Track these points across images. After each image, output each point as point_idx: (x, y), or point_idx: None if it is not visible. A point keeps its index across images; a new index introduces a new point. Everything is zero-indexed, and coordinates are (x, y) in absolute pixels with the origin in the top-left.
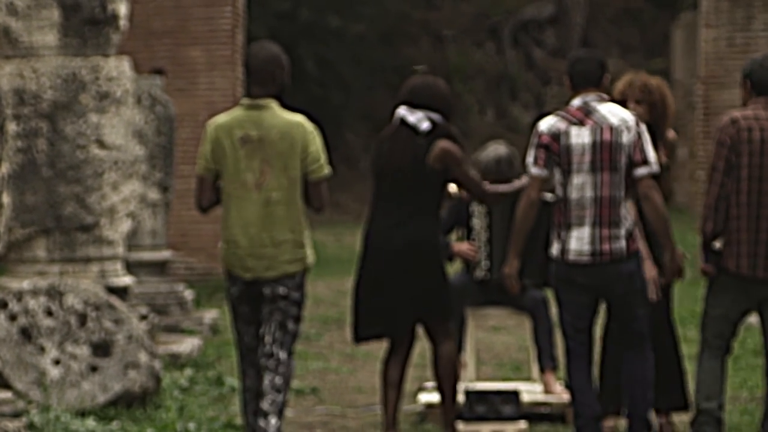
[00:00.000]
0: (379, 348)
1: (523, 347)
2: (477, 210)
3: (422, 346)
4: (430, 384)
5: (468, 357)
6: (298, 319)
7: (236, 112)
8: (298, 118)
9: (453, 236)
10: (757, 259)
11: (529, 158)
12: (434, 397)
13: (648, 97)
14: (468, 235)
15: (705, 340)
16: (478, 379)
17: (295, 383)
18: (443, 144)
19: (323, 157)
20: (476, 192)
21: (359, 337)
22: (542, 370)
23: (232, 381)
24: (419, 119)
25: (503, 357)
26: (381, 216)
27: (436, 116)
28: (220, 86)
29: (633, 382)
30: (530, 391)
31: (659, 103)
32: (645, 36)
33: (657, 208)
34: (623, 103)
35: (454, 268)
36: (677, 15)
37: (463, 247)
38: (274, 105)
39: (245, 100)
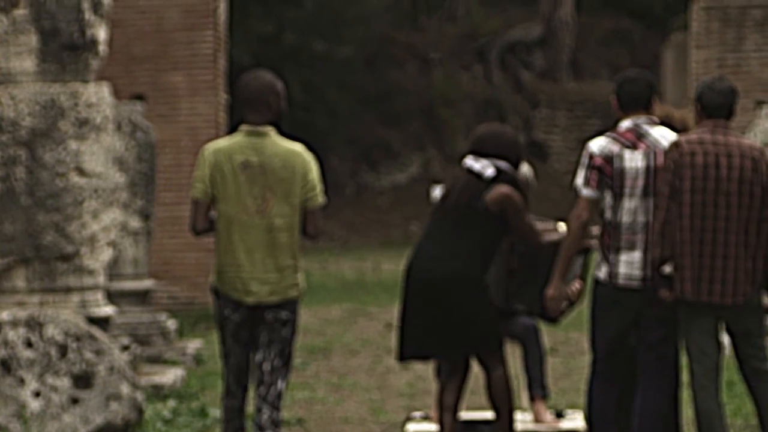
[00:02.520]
0: (366, 378)
1: (513, 375)
2: None
3: (411, 375)
4: (418, 414)
5: None
6: (293, 342)
7: (236, 138)
8: (298, 146)
9: None
10: (701, 283)
11: (580, 179)
12: (423, 428)
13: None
14: None
15: (692, 373)
16: (468, 408)
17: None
18: (503, 189)
19: (320, 186)
20: (532, 240)
21: (403, 356)
22: (532, 398)
23: (216, 412)
24: (484, 166)
25: None
26: (425, 247)
27: (502, 164)
28: (202, 112)
29: (644, 412)
30: (520, 421)
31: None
32: (635, 57)
33: None
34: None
35: None
36: (667, 36)
37: None
38: (273, 133)
39: (245, 127)
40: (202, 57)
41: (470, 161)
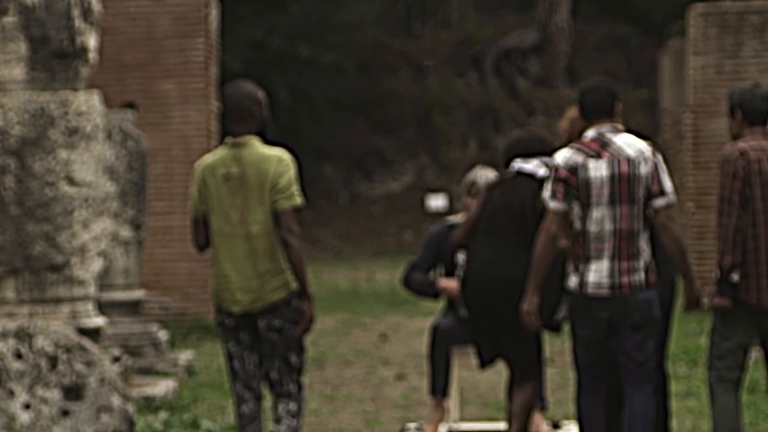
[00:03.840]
0: (360, 389)
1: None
2: None
3: (406, 386)
4: (413, 425)
5: (452, 397)
6: (301, 350)
7: (221, 152)
8: (276, 151)
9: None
10: None
11: (547, 192)
12: None
13: None
14: (452, 270)
15: (720, 377)
16: (462, 419)
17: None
18: None
19: (293, 189)
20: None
21: (483, 363)
22: None
23: (209, 424)
24: (536, 166)
25: (488, 396)
26: (482, 253)
27: (549, 161)
28: (193, 120)
29: (632, 419)
30: None
31: None
32: (632, 64)
33: (676, 239)
34: (569, 142)
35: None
36: (665, 42)
37: (450, 283)
38: (254, 141)
39: (228, 139)
40: (193, 64)
41: (519, 163)
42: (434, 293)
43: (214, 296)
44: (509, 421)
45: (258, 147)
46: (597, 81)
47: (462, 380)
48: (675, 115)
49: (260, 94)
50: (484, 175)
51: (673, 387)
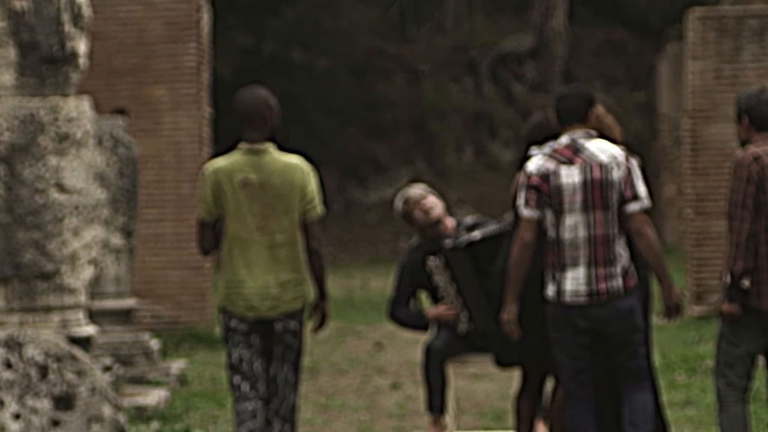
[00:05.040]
0: (355, 398)
1: (505, 395)
2: (434, 266)
3: (401, 395)
4: None
5: (448, 407)
6: (303, 355)
7: (235, 157)
8: (296, 159)
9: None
10: None
11: (520, 200)
12: None
13: None
14: (434, 294)
15: (729, 384)
16: (458, 429)
17: None
18: None
19: (317, 198)
20: None
21: (500, 363)
22: None
23: None
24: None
25: (484, 406)
26: (505, 248)
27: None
28: (185, 126)
29: (632, 412)
30: None
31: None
32: (629, 68)
33: (651, 244)
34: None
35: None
36: (663, 46)
37: (439, 309)
38: (272, 149)
39: (243, 145)
40: (185, 70)
41: (534, 152)
42: (424, 325)
43: (223, 299)
44: (518, 429)
45: (278, 155)
46: (572, 87)
47: (458, 390)
48: (673, 120)
49: (273, 100)
50: (413, 189)
51: (672, 396)
